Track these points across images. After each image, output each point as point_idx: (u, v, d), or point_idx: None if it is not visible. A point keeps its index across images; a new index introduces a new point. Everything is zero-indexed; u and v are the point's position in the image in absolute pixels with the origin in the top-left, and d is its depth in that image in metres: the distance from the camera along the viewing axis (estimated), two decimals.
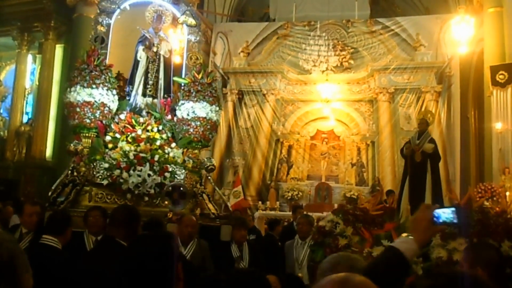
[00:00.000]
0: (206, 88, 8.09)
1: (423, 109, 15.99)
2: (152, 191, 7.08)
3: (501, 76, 13.24)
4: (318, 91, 17.38)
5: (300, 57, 17.83)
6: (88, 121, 7.51)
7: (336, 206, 13.32)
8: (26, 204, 5.72)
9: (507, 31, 13.56)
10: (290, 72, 17.86)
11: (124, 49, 9.01)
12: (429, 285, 1.58)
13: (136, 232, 3.68)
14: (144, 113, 8.03)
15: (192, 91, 8.04)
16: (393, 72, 16.99)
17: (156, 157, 7.19)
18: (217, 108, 8.16)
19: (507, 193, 11.73)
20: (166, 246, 2.13)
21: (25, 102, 17.19)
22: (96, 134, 7.63)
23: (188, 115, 7.93)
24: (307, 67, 17.74)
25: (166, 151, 7.46)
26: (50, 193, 7.10)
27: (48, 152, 15.89)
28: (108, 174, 7.04)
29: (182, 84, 8.43)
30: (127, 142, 7.42)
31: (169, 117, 8.13)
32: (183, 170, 7.43)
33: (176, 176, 7.25)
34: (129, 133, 7.55)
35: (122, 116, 7.81)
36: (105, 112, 7.63)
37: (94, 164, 7.17)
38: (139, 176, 6.97)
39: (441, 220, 2.21)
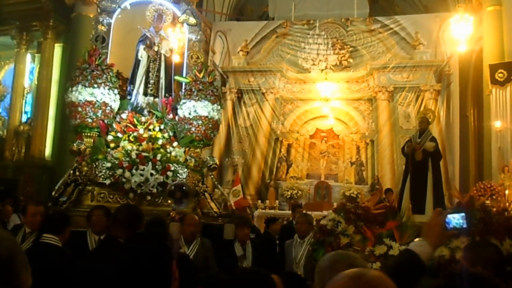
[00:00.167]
0: (208, 87, 8.10)
1: (422, 107, 16.01)
2: (154, 190, 7.08)
3: (500, 75, 13.26)
4: (317, 90, 17.39)
5: (299, 56, 17.83)
6: (90, 120, 7.51)
7: (335, 205, 13.38)
8: (29, 204, 5.74)
9: (506, 29, 13.58)
10: (289, 71, 17.86)
11: (123, 48, 9.00)
12: (437, 285, 1.59)
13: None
14: (145, 112, 8.02)
15: (193, 90, 8.06)
16: (392, 71, 17.00)
17: (158, 156, 7.19)
18: (219, 107, 8.18)
19: (507, 192, 11.75)
20: (161, 245, 2.13)
21: (24, 101, 17.17)
22: (98, 133, 7.62)
23: (189, 114, 7.93)
24: (306, 65, 17.74)
25: (168, 150, 7.47)
26: (53, 193, 7.09)
27: (47, 151, 15.88)
28: (111, 173, 7.04)
29: (184, 83, 8.43)
30: (129, 141, 7.42)
31: (171, 116, 8.14)
32: (185, 169, 7.43)
33: (178, 175, 7.25)
34: (131, 133, 7.55)
35: (124, 116, 7.81)
36: (107, 111, 7.63)
37: (96, 163, 7.17)
38: (141, 175, 6.97)
39: (451, 226, 2.28)
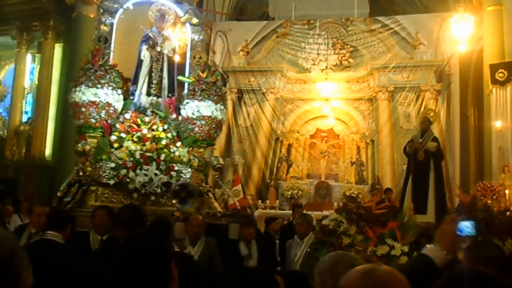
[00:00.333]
0: (211, 87, 8.11)
1: (422, 107, 16.04)
2: (158, 190, 7.09)
3: (500, 75, 13.27)
4: (318, 90, 17.40)
5: (300, 56, 17.84)
6: (93, 121, 7.52)
7: (335, 205, 13.41)
8: (35, 204, 5.76)
9: (506, 29, 13.59)
10: (289, 71, 17.86)
11: (124, 48, 9.00)
12: (439, 284, 1.61)
13: None
14: (148, 112, 8.03)
15: (197, 90, 8.06)
16: (392, 71, 17.01)
17: (162, 156, 7.20)
18: (222, 107, 8.19)
19: (507, 191, 11.77)
20: (159, 245, 2.11)
21: (24, 101, 17.16)
22: (101, 134, 7.63)
23: (193, 114, 7.94)
24: (306, 65, 17.74)
25: (172, 150, 7.47)
26: (58, 193, 7.09)
27: (48, 151, 15.88)
28: (115, 173, 7.04)
29: (186, 83, 8.44)
30: (133, 141, 7.42)
31: (174, 116, 8.14)
32: (189, 169, 7.44)
33: (182, 175, 7.25)
34: (134, 133, 7.55)
35: (127, 116, 7.80)
36: (110, 111, 7.63)
37: (100, 164, 7.17)
38: (145, 175, 6.98)
39: (463, 234, 2.35)
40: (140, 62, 8.36)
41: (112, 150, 7.36)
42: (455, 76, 16.17)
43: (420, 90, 16.74)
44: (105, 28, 8.30)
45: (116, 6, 8.57)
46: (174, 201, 6.67)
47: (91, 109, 7.48)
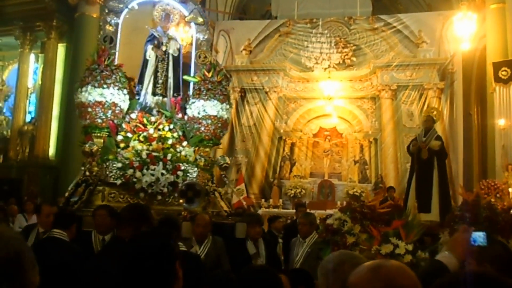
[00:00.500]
0: (216, 86, 8.11)
1: (425, 106, 16.07)
2: (165, 189, 7.10)
3: (503, 73, 13.28)
4: (321, 89, 17.43)
5: (302, 55, 17.87)
6: (99, 121, 7.52)
7: (339, 203, 13.46)
8: (44, 204, 5.80)
9: (509, 27, 13.60)
10: (292, 70, 17.89)
11: (127, 47, 9.01)
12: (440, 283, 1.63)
13: None
14: (154, 112, 8.03)
15: (202, 89, 8.07)
16: (395, 69, 17.04)
17: (169, 156, 7.20)
18: (228, 106, 8.18)
19: (510, 190, 11.78)
20: (163, 244, 2.11)
21: (28, 101, 17.19)
22: (107, 134, 7.64)
23: (199, 113, 7.94)
24: (309, 64, 17.78)
25: (178, 149, 7.48)
26: (66, 194, 7.12)
27: (51, 151, 15.92)
28: (121, 173, 7.05)
29: (192, 83, 8.45)
30: (139, 141, 7.43)
31: (180, 115, 8.15)
32: (195, 169, 7.44)
33: (188, 174, 7.26)
34: (140, 132, 7.56)
35: (133, 116, 7.81)
36: (116, 111, 7.63)
37: (107, 163, 7.18)
38: (152, 175, 6.99)
39: (476, 244, 2.39)
40: (145, 62, 8.35)
41: (119, 150, 7.37)
42: (458, 74, 16.19)
43: (423, 89, 16.77)
44: (110, 28, 8.31)
45: (121, 6, 8.57)
46: (181, 201, 6.69)
47: (97, 109, 7.48)
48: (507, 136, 13.11)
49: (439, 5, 17.55)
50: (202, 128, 7.96)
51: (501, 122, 13.14)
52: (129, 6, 8.68)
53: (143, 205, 5.36)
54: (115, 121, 7.66)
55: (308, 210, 9.99)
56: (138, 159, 7.11)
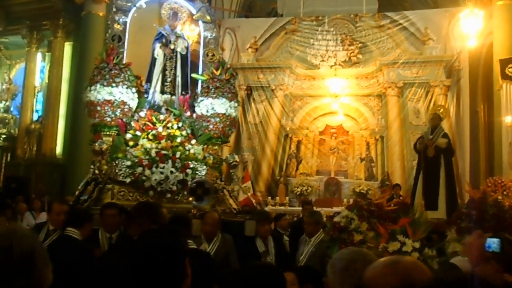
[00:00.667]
0: (225, 84, 8.14)
1: (432, 103, 16.05)
2: (174, 187, 7.12)
3: (510, 70, 13.22)
4: (327, 86, 17.41)
5: (308, 52, 17.84)
6: (108, 119, 7.56)
7: (345, 201, 13.49)
8: (55, 202, 5.82)
9: None
10: (298, 67, 17.86)
11: (133, 46, 9.04)
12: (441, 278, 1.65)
13: None
14: (163, 110, 8.07)
15: (211, 87, 8.09)
16: (401, 67, 16.99)
17: (178, 154, 7.23)
18: (236, 104, 8.21)
19: None
20: (172, 241, 2.10)
21: (35, 100, 17.32)
22: (117, 132, 7.67)
23: (207, 111, 7.97)
24: (315, 62, 17.76)
25: (187, 147, 7.51)
26: (76, 192, 7.17)
27: (58, 149, 16.02)
28: (130, 171, 7.08)
29: (200, 81, 8.48)
30: (148, 139, 7.47)
31: (188, 113, 8.18)
32: (204, 167, 7.47)
33: (197, 172, 7.29)
34: (149, 131, 7.59)
35: (142, 114, 7.85)
36: (125, 110, 7.67)
37: (116, 162, 7.21)
38: (161, 173, 7.02)
39: (490, 250, 2.42)
40: (153, 60, 8.39)
41: (128, 148, 7.40)
42: (465, 71, 16.13)
43: (429, 86, 16.72)
44: (118, 27, 8.34)
45: (129, 4, 8.61)
46: (190, 199, 6.72)
47: (106, 108, 7.52)
48: None
49: (445, 2, 17.47)
50: (211, 126, 7.99)
51: (508, 119, 13.08)
52: (137, 5, 8.72)
53: (153, 203, 5.40)
54: (124, 120, 7.70)
55: (314, 208, 10.04)
56: (147, 157, 7.14)
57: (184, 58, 8.53)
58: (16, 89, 17.91)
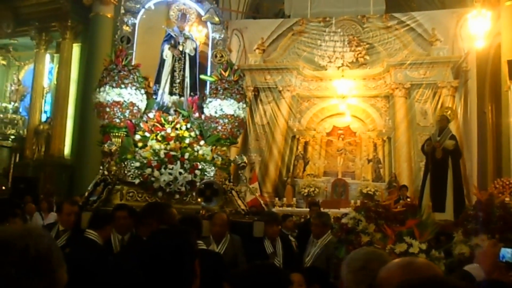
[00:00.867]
0: (233, 86, 8.14)
1: (439, 104, 16.05)
2: (183, 188, 7.14)
3: None
4: (334, 87, 17.44)
5: (316, 53, 17.89)
6: (118, 120, 7.57)
7: (352, 202, 13.47)
8: (65, 203, 5.86)
9: None
10: (305, 69, 17.91)
11: (141, 47, 9.07)
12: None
13: None
14: (171, 111, 8.09)
15: (219, 88, 8.11)
16: (409, 68, 17.00)
17: (186, 155, 7.24)
18: (244, 105, 8.21)
19: None
20: (182, 241, 2.11)
21: (43, 101, 17.44)
22: (125, 133, 7.70)
23: (216, 112, 7.98)
24: (322, 63, 17.79)
25: (195, 149, 7.52)
26: (86, 193, 7.20)
27: (67, 150, 16.12)
28: (139, 172, 7.10)
29: (209, 82, 8.50)
30: (157, 140, 7.49)
31: (197, 115, 8.20)
32: (213, 168, 7.49)
33: (206, 173, 7.31)
34: (158, 132, 7.62)
35: (151, 115, 7.87)
36: (134, 111, 7.68)
37: (125, 163, 7.24)
38: (170, 174, 7.04)
39: (504, 260, 2.44)
40: (162, 62, 8.40)
41: (137, 149, 7.42)
42: (472, 72, 16.11)
43: (437, 87, 16.71)
44: (127, 28, 8.36)
45: (138, 6, 8.63)
46: (199, 200, 6.74)
47: (115, 109, 7.53)
48: None
49: (452, 2, 17.46)
50: (219, 127, 8.00)
51: None
52: (146, 6, 8.73)
53: (161, 204, 5.43)
54: (133, 121, 7.71)
55: (321, 209, 10.03)
56: (156, 158, 7.16)
57: (192, 59, 8.53)
58: (25, 90, 18.03)
